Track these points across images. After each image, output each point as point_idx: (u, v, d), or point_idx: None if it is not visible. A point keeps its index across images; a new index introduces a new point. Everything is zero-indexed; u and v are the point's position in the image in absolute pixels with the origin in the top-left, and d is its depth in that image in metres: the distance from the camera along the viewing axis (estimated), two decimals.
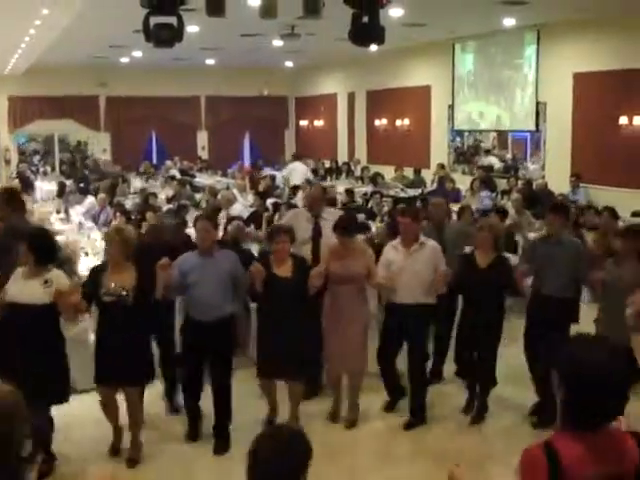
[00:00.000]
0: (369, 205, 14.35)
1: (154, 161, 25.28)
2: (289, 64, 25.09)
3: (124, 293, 6.09)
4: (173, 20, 8.59)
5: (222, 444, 6.60)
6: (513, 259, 8.58)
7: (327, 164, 23.46)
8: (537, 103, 16.82)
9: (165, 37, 8.47)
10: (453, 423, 7.19)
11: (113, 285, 6.10)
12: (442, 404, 7.54)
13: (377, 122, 23.07)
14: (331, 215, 7.81)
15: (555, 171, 16.17)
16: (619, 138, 14.62)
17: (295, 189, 16.57)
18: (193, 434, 6.82)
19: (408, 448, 6.74)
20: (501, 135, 18.58)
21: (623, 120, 14.46)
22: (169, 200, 15.43)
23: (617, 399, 2.63)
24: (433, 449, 6.64)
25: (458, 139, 19.74)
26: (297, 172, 19.46)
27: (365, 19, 9.04)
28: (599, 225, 10.77)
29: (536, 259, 7.12)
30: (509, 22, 15.73)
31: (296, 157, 22.61)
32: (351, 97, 24.54)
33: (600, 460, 2.60)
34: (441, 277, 6.90)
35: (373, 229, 11.18)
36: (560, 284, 6.95)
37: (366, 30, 9.12)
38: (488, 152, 19.09)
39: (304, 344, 6.74)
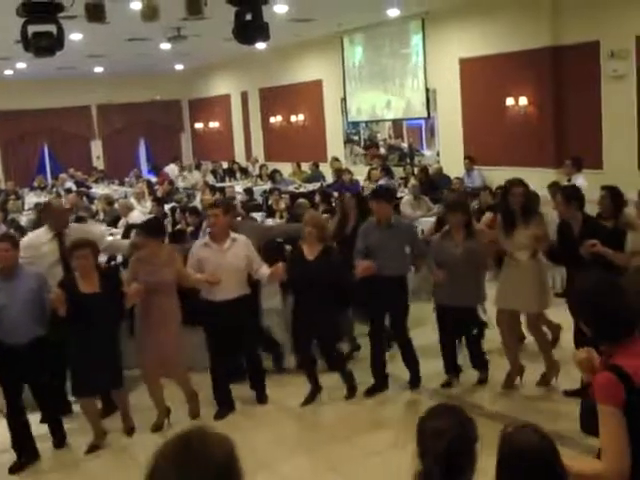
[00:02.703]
0: (269, 202, 14.34)
1: (48, 174, 24.70)
2: (179, 67, 24.86)
3: None
4: (52, 28, 8.41)
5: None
6: None
7: (225, 165, 23.30)
8: (427, 90, 17.10)
9: (45, 46, 8.27)
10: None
11: None
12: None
13: (272, 119, 23.05)
14: (76, 232, 7.36)
15: (450, 156, 16.48)
16: (507, 119, 15.01)
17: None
18: (17, 466, 6.38)
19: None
20: (396, 124, 18.83)
21: (510, 101, 14.84)
22: None
23: (629, 309, 3.25)
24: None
25: (354, 131, 19.92)
26: (170, 172, 20.57)
27: (248, 16, 9.03)
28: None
29: (371, 245, 7.29)
30: (393, 12, 15.94)
31: (174, 159, 23.24)
32: (244, 96, 24.46)
33: None
34: (277, 271, 7.03)
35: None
36: (396, 265, 7.25)
37: (250, 28, 9.11)
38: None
39: (116, 353, 6.60)
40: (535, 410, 6.64)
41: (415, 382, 7.58)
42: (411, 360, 7.55)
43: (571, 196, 7.00)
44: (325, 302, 7.08)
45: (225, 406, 7.22)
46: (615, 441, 3.06)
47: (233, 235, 7.12)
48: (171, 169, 21.64)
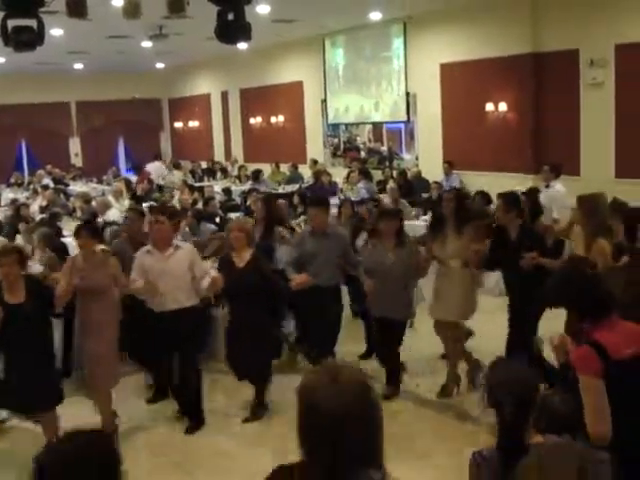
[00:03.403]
0: (247, 203, 14.29)
1: (25, 171, 24.51)
2: (160, 66, 24.76)
3: None
4: (33, 22, 8.34)
5: None
6: None
7: (204, 165, 23.25)
8: (407, 94, 17.15)
9: (25, 40, 8.21)
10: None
11: None
12: None
13: (252, 120, 23.05)
14: None
15: (429, 160, 16.53)
16: (487, 124, 15.09)
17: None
18: None
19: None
20: (376, 128, 18.87)
21: (489, 107, 14.92)
22: (42, 210, 14.99)
23: (608, 293, 3.77)
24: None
25: (333, 134, 19.95)
26: (153, 170, 20.82)
27: (230, 16, 9.02)
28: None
29: (306, 254, 7.23)
30: (376, 16, 15.98)
31: (155, 157, 23.17)
32: (224, 96, 24.43)
33: (629, 343, 3.61)
34: (216, 281, 6.76)
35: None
36: (330, 274, 7.20)
37: (232, 27, 9.10)
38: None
39: (45, 370, 6.06)
40: None
41: None
42: None
43: (511, 203, 7.04)
44: (258, 310, 6.87)
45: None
46: (595, 407, 3.48)
47: (177, 242, 6.98)
48: (156, 167, 21.62)
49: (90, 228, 6.84)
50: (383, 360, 7.43)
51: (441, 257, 7.17)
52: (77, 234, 6.63)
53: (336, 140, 20.00)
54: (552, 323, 6.03)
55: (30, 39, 8.28)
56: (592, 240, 6.44)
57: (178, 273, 6.71)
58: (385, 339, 7.32)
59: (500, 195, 7.47)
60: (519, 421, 3.11)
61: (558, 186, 11.08)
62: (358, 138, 19.40)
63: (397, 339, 7.32)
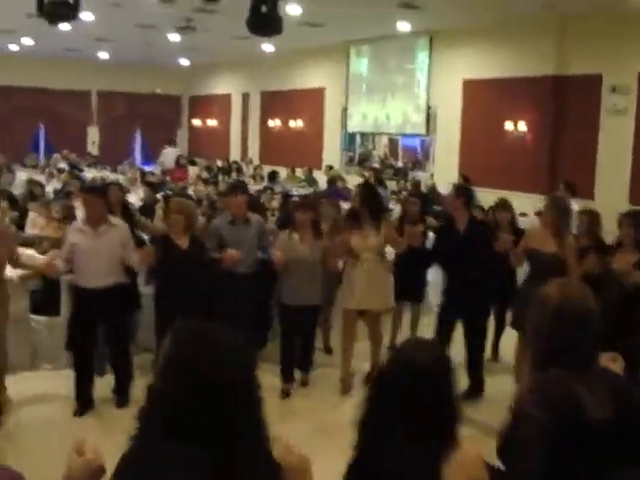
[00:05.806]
0: (261, 200, 14.36)
1: (41, 154, 24.62)
2: (184, 62, 24.89)
3: None
4: None
5: None
6: None
7: (220, 163, 23.35)
8: (428, 108, 17.25)
9: (60, 13, 8.34)
10: None
11: None
12: None
13: (271, 123, 23.16)
14: None
15: (444, 174, 16.57)
16: (504, 143, 15.17)
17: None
18: None
19: None
20: (392, 143, 18.99)
21: (509, 126, 15.00)
22: (57, 192, 15.05)
23: None
24: None
25: (349, 148, 20.16)
26: (168, 156, 21.78)
27: (264, 9, 9.19)
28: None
29: (225, 241, 7.24)
30: (403, 27, 16.04)
31: (169, 142, 23.92)
32: (245, 97, 24.57)
33: None
34: (146, 255, 6.64)
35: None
36: (251, 261, 7.31)
37: (264, 20, 9.27)
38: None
39: None
40: None
41: None
42: None
43: (461, 191, 7.26)
44: (198, 294, 6.81)
45: (85, 404, 6.64)
46: None
47: (113, 220, 6.71)
48: (169, 153, 22.24)
49: None
50: (286, 353, 7.35)
51: (358, 250, 7.14)
52: None
53: (351, 153, 20.18)
54: None
55: (65, 13, 8.41)
56: (563, 237, 6.66)
57: (108, 252, 6.50)
58: (301, 329, 7.38)
59: (453, 185, 7.78)
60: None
61: (572, 205, 11.12)
62: (374, 152, 19.56)
63: (313, 325, 7.48)
